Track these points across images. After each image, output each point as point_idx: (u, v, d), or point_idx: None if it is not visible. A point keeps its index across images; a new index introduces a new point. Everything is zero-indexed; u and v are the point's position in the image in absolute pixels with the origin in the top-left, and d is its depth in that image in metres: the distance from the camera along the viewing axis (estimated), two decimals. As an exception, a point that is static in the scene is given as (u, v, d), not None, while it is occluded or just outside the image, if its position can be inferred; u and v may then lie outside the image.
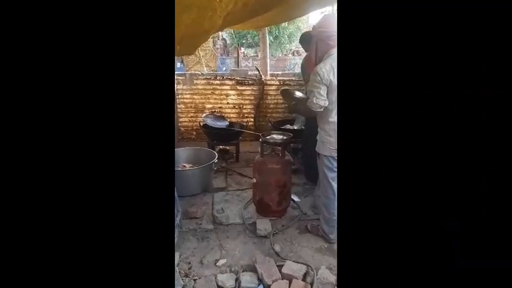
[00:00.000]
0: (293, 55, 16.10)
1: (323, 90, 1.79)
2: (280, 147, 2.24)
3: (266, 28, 5.26)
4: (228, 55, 14.36)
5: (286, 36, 15.17)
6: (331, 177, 1.95)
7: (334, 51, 1.81)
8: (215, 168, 2.67)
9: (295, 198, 2.57)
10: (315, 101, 1.81)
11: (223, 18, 1.56)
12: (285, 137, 2.27)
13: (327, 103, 1.81)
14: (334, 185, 1.97)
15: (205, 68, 7.03)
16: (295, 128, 3.46)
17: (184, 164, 2.84)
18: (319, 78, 1.79)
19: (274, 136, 2.28)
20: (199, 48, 8.86)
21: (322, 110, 1.82)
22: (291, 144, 3.50)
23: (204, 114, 3.65)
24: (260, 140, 2.25)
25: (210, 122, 3.56)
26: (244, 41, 15.60)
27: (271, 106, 4.34)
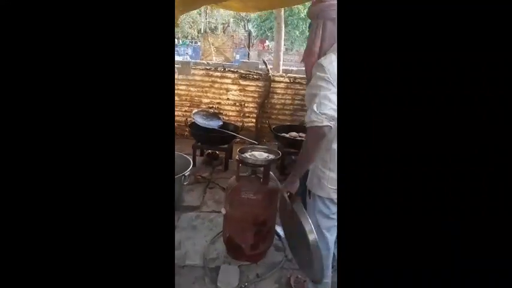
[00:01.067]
0: (318, 51, 15.23)
1: (332, 94, 1.03)
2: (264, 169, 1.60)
3: (282, 18, 4.56)
4: (252, 47, 13.70)
5: (313, 31, 14.32)
6: (325, 226, 1.30)
7: None
8: (185, 183, 2.08)
9: (282, 233, 1.94)
10: (315, 109, 1.02)
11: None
12: (270, 156, 1.63)
13: (335, 115, 1.03)
14: (330, 237, 1.32)
15: (214, 58, 6.38)
16: (303, 138, 2.79)
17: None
18: (325, 75, 1.04)
19: (256, 154, 1.64)
20: (209, 36, 8.18)
21: (330, 126, 1.04)
22: (292, 157, 2.86)
23: (195, 111, 3.04)
24: (237, 157, 1.62)
25: (199, 120, 2.96)
26: (269, 34, 14.90)
27: (277, 107, 3.68)
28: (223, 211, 1.64)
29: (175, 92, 3.66)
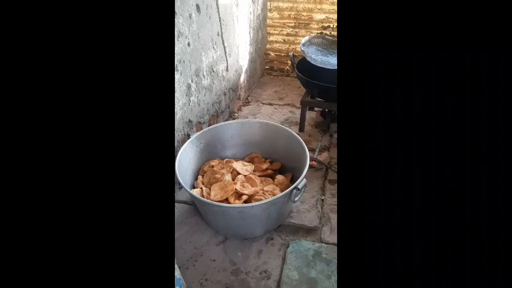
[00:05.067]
0: None
1: None
2: None
3: None
4: None
5: None
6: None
7: None
8: (296, 199, 1.09)
9: None
10: None
11: None
12: None
13: None
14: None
15: None
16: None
17: (236, 168, 1.32)
18: None
19: None
20: None
21: None
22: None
23: (304, 40, 1.80)
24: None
25: (314, 56, 1.74)
26: None
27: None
28: None
29: (275, 4, 2.37)
